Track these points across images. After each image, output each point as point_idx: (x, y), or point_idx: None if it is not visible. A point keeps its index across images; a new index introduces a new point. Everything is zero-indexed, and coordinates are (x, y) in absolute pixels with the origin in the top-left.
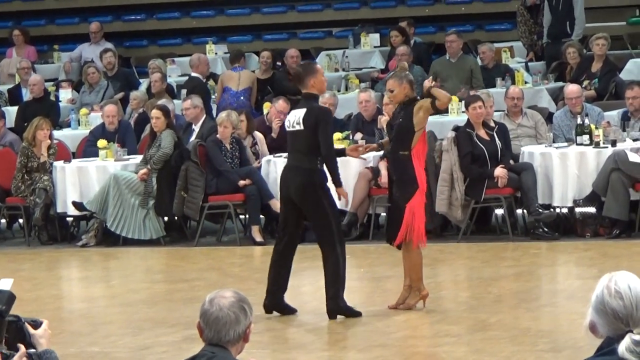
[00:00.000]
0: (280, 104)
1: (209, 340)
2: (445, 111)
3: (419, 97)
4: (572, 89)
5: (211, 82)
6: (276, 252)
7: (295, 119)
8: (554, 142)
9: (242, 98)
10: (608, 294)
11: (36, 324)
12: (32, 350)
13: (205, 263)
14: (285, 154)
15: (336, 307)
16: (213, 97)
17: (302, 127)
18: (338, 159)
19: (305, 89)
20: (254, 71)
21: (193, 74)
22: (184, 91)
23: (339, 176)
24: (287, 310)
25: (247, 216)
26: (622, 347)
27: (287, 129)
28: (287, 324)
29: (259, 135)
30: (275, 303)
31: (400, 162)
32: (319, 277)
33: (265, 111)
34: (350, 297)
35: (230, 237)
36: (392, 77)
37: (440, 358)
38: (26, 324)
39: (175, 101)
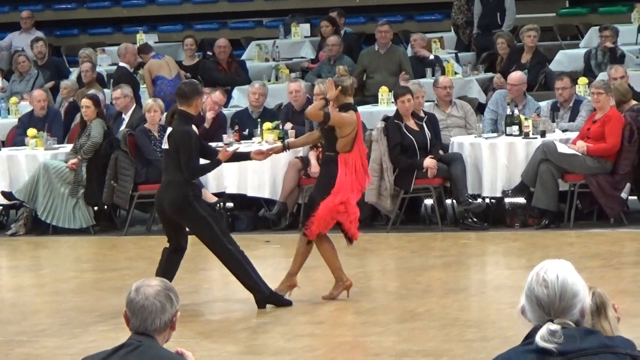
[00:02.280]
0: (217, 95)
1: (135, 329)
2: (373, 101)
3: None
4: (515, 75)
5: (141, 72)
6: (164, 251)
7: (165, 137)
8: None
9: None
10: (536, 281)
11: None
12: None
13: (134, 252)
14: (215, 143)
15: (262, 296)
16: (143, 86)
17: (168, 146)
18: (245, 163)
19: (183, 106)
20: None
21: (121, 64)
22: (113, 81)
23: (213, 165)
24: None
25: None
26: (539, 335)
27: (162, 146)
28: (215, 314)
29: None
30: None
31: (325, 160)
32: None
33: None
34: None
35: (160, 226)
36: (330, 79)
37: (367, 348)
38: None
39: (105, 90)
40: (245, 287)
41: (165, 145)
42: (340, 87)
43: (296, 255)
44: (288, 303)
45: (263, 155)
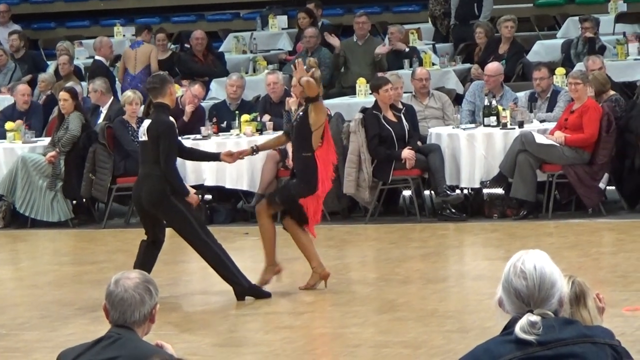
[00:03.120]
0: (196, 88)
1: (115, 322)
2: (351, 93)
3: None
4: (492, 66)
5: (119, 64)
6: (142, 243)
7: (143, 129)
8: (463, 112)
9: (138, 82)
10: (513, 273)
11: None
12: None
13: (113, 245)
14: (194, 136)
15: (241, 288)
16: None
17: (146, 138)
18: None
19: (158, 98)
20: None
21: (97, 57)
22: (89, 74)
23: (183, 186)
24: None
25: None
26: (518, 326)
27: (139, 138)
28: (194, 306)
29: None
30: None
31: (302, 162)
32: None
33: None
34: (258, 278)
35: (138, 219)
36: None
37: (347, 339)
38: None
39: (83, 83)
40: (224, 280)
41: (143, 137)
42: (315, 78)
43: (302, 248)
44: (267, 295)
45: (232, 157)
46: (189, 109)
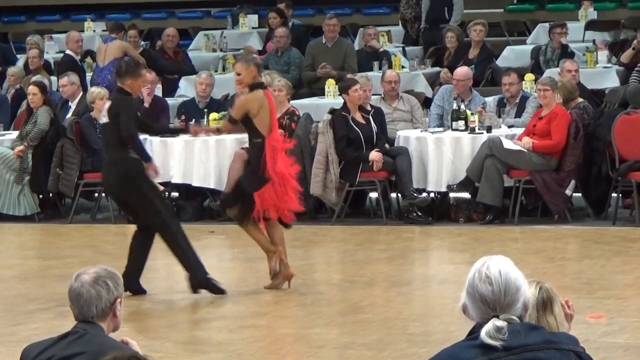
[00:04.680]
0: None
1: (77, 317)
2: (320, 93)
3: (264, 83)
4: (461, 70)
5: (88, 59)
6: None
7: (104, 112)
8: (431, 116)
9: (107, 74)
10: (478, 278)
11: None
12: None
13: (79, 240)
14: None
15: (197, 280)
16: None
17: (107, 119)
18: (191, 152)
19: (121, 84)
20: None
21: (67, 52)
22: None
23: (146, 152)
24: (140, 292)
25: None
26: (484, 331)
27: (101, 120)
28: (157, 304)
29: None
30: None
31: (253, 148)
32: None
33: None
34: (223, 277)
35: (105, 214)
36: (239, 60)
37: (311, 340)
38: None
39: (52, 78)
40: (183, 267)
41: (104, 119)
42: (257, 65)
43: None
44: (222, 291)
45: (198, 132)
46: (146, 94)
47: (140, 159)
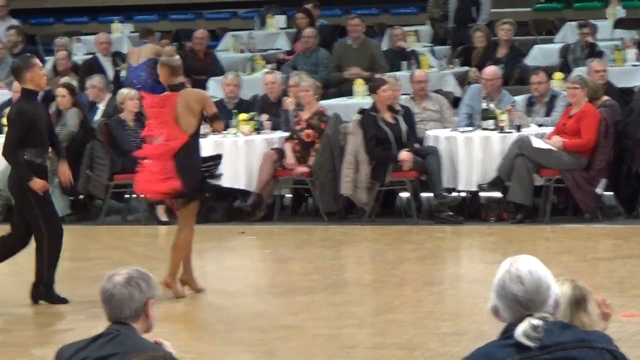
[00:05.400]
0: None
1: (109, 318)
2: (349, 93)
3: (186, 84)
4: (490, 70)
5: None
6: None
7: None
8: (461, 115)
9: (141, 73)
10: (509, 279)
11: None
12: None
13: (109, 242)
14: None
15: (37, 290)
16: (122, 75)
17: (7, 122)
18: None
19: (23, 83)
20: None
21: (96, 53)
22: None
23: (23, 171)
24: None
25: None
26: (520, 330)
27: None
28: (192, 305)
29: None
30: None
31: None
32: (222, 257)
33: None
34: (254, 277)
35: (135, 216)
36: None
37: (343, 340)
38: None
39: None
40: (35, 273)
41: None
42: (169, 68)
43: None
44: (64, 301)
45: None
46: None
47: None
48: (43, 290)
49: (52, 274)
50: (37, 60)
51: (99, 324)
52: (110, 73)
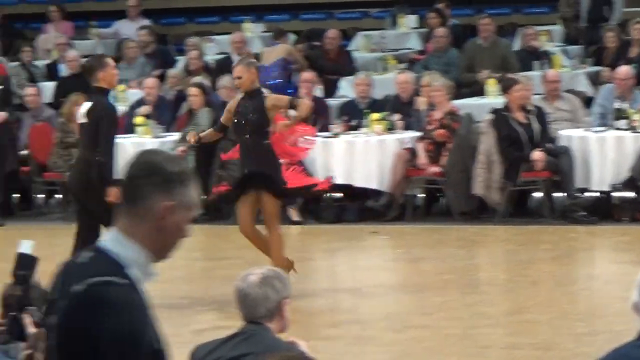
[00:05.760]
0: (305, 75)
1: (244, 318)
2: (481, 93)
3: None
4: (622, 70)
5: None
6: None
7: (82, 112)
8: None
9: (273, 73)
10: None
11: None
12: None
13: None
14: (323, 134)
15: None
16: None
17: (86, 120)
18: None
19: (95, 82)
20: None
21: (230, 53)
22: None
23: (110, 175)
24: None
25: None
26: None
27: (78, 121)
28: (322, 304)
29: (293, 113)
30: None
31: (264, 152)
32: (355, 256)
33: None
34: (386, 277)
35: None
36: (240, 63)
37: (477, 340)
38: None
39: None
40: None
41: (84, 119)
42: (255, 68)
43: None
44: None
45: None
46: (304, 90)
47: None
48: None
49: None
50: (110, 60)
51: (233, 324)
52: None
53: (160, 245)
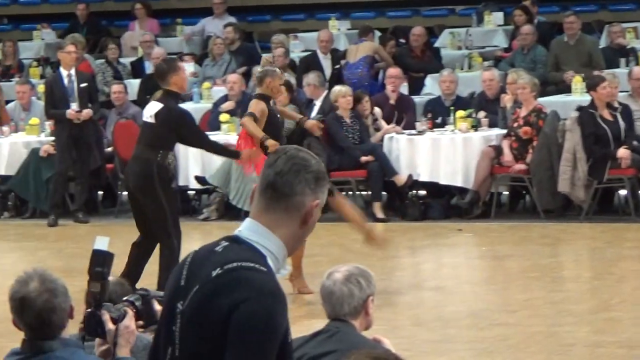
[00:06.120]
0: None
1: (329, 315)
2: (567, 91)
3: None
4: None
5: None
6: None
7: (150, 111)
8: None
9: (358, 70)
10: None
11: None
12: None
13: (327, 239)
14: (408, 131)
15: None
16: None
17: (154, 121)
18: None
19: (166, 85)
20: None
21: (317, 50)
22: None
23: (228, 151)
24: None
25: (369, 192)
26: None
27: (143, 118)
28: (406, 301)
29: (378, 110)
30: None
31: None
32: (440, 254)
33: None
34: (471, 274)
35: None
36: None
37: (561, 337)
38: (154, 299)
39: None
40: (127, 265)
41: (151, 120)
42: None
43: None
44: None
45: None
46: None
47: (165, 166)
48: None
49: (165, 278)
50: (182, 64)
51: (317, 321)
52: (328, 71)
53: (297, 241)
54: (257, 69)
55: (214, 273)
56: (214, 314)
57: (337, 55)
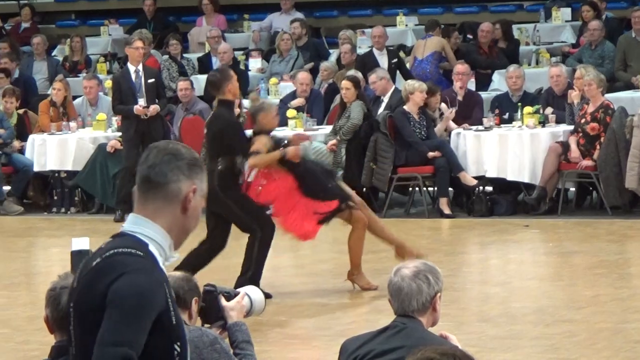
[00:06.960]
0: (459, 67)
1: (396, 311)
2: (633, 87)
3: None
4: None
5: (401, 54)
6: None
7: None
8: None
9: (425, 66)
10: None
11: (229, 296)
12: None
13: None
14: (475, 127)
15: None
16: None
17: (206, 131)
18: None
19: (221, 95)
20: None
21: (373, 47)
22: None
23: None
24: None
25: (436, 188)
26: None
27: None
28: (472, 297)
29: (443, 106)
30: None
31: None
32: (506, 250)
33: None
34: (537, 271)
35: (419, 209)
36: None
37: (628, 334)
38: (220, 295)
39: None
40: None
41: (205, 130)
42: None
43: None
44: (267, 296)
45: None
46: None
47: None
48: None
49: (260, 269)
50: (233, 72)
51: (383, 317)
52: (385, 67)
53: (182, 229)
54: (324, 64)
55: (94, 263)
56: (94, 301)
57: (393, 51)
